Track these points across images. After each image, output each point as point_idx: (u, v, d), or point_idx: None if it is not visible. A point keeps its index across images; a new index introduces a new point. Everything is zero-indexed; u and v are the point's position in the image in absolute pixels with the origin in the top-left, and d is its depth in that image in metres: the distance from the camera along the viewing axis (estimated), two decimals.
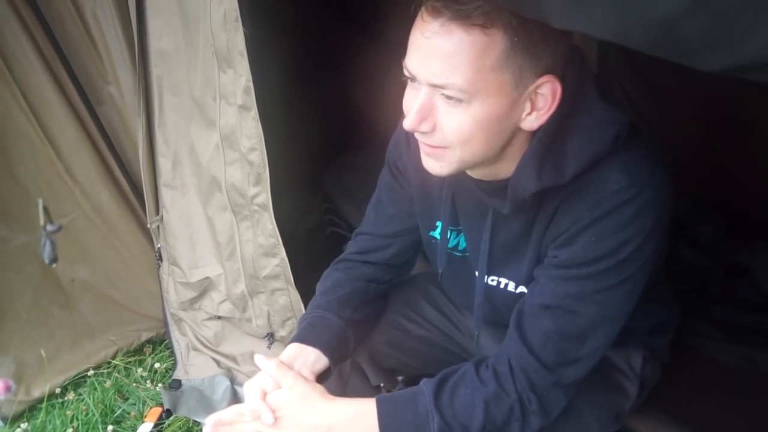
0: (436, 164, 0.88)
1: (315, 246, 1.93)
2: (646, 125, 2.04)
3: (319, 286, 1.18)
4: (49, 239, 1.62)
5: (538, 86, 0.80)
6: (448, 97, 0.79)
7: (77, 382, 1.85)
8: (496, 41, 0.76)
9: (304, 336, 1.07)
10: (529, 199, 0.88)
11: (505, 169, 0.90)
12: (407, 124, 0.83)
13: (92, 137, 1.75)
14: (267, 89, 1.39)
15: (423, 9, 0.78)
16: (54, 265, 1.63)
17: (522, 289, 1.02)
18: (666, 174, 0.89)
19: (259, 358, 0.99)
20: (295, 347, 1.05)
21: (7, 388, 1.76)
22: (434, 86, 0.80)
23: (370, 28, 2.10)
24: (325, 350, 1.05)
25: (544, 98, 0.81)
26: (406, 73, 0.83)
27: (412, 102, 0.83)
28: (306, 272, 1.53)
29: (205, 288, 1.68)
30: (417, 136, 0.87)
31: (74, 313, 1.82)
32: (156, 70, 1.56)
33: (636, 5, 0.44)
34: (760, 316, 1.63)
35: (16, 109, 1.66)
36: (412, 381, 1.20)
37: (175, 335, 1.82)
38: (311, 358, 1.04)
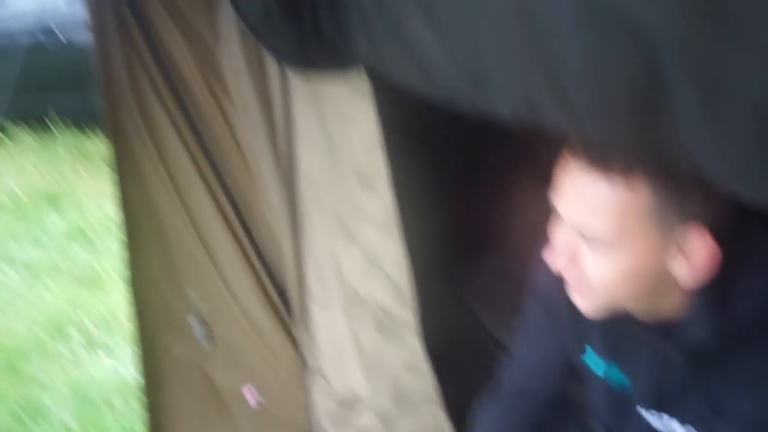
0: (584, 302, 0.84)
1: (456, 358, 1.88)
2: None
3: (477, 422, 1.14)
4: (198, 321, 1.75)
5: (686, 234, 0.74)
6: (592, 244, 0.76)
7: None
8: (641, 194, 0.72)
9: None
10: (703, 349, 0.79)
11: (668, 310, 0.82)
12: (554, 262, 0.81)
13: (246, 252, 1.86)
14: (409, 208, 1.41)
15: (569, 156, 0.77)
16: (206, 345, 1.75)
17: (690, 429, 0.91)
18: None
19: None
20: None
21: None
22: (578, 231, 0.77)
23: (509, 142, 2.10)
24: None
25: (697, 252, 0.74)
26: (552, 203, 0.82)
27: (559, 237, 0.82)
28: (450, 386, 1.50)
29: (351, 402, 1.68)
30: (563, 272, 0.84)
31: (229, 422, 1.90)
32: (303, 192, 1.66)
33: None
34: None
35: (187, 229, 1.82)
36: None
37: None
38: None
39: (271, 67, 1.53)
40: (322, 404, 1.76)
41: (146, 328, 1.80)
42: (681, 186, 0.71)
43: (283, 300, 1.90)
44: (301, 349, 1.82)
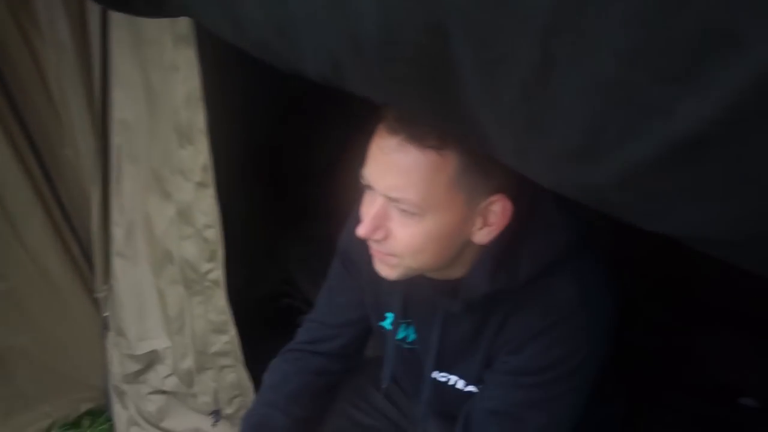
0: (387, 269, 0.88)
1: (267, 316, 1.90)
2: None
3: (267, 378, 1.16)
4: None
5: (490, 203, 0.82)
6: (402, 210, 0.81)
7: None
8: (450, 162, 0.78)
9: None
10: (481, 300, 0.88)
11: (457, 272, 0.91)
12: (361, 231, 0.85)
13: (45, 201, 1.70)
14: (228, 164, 1.39)
15: (381, 125, 0.80)
16: None
17: (471, 388, 1.02)
18: (615, 283, 0.91)
19: None
20: None
21: None
22: (389, 198, 0.81)
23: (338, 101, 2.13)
24: None
25: (496, 215, 0.83)
26: (363, 181, 0.84)
27: (369, 204, 0.85)
28: (256, 343, 1.51)
29: (151, 361, 1.62)
30: (369, 242, 0.87)
31: (8, 383, 1.73)
32: (116, 139, 1.55)
33: (568, 175, 0.46)
34: (708, 404, 1.66)
35: None
36: None
37: (116, 408, 1.74)
38: None
39: (91, 4, 1.40)
40: (120, 364, 1.68)
41: None
42: (489, 161, 0.74)
43: (86, 257, 1.78)
44: (100, 307, 1.72)
